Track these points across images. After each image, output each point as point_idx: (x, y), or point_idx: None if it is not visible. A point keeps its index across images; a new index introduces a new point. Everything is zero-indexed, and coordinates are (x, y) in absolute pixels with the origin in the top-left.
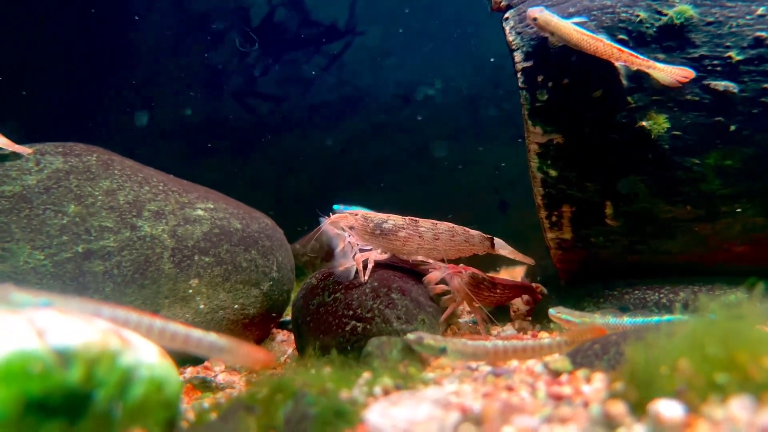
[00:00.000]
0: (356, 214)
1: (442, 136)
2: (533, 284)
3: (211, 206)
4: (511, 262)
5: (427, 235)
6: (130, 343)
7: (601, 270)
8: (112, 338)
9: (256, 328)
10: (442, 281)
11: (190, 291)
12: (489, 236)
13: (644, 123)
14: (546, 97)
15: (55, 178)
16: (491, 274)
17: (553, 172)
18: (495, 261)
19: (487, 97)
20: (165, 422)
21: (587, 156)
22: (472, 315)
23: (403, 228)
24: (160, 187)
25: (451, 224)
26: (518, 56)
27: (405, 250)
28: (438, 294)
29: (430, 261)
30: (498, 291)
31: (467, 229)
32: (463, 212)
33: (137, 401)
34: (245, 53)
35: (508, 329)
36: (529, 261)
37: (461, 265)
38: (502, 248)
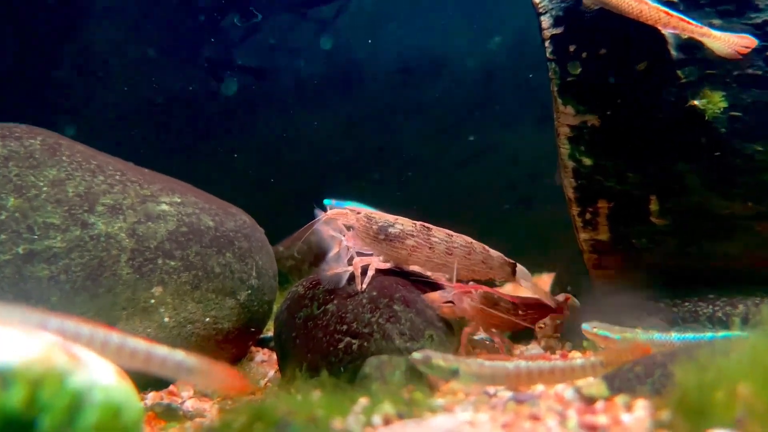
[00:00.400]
0: (358, 212)
1: (453, 118)
2: (563, 294)
3: (178, 200)
4: (537, 268)
5: (439, 248)
6: (81, 361)
7: (644, 277)
8: (60, 355)
9: (231, 345)
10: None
11: (153, 301)
12: (511, 262)
13: (696, 102)
14: (579, 70)
15: None
16: (508, 291)
17: (587, 161)
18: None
19: (507, 71)
20: None
21: (628, 141)
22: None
23: (412, 235)
24: (117, 177)
25: (469, 239)
26: (546, 21)
27: (411, 262)
28: (446, 317)
29: (434, 275)
30: (520, 313)
31: (488, 249)
32: (477, 210)
33: (90, 429)
34: (217, 18)
35: (533, 348)
36: (551, 300)
37: (471, 283)
38: (524, 279)
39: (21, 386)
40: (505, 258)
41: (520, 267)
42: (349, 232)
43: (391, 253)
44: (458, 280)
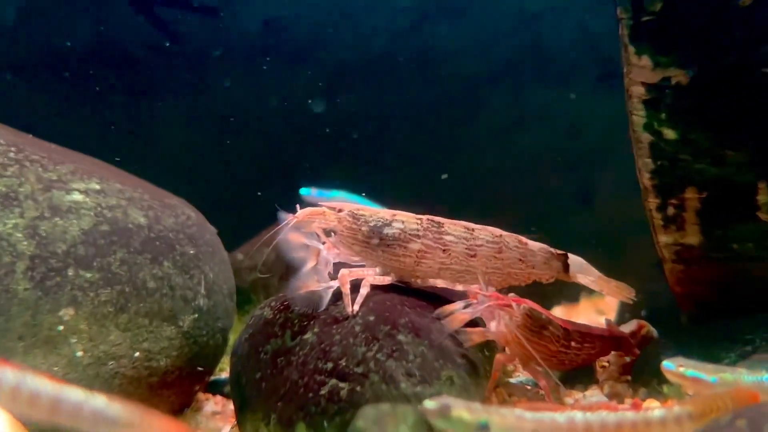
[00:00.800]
0: (340, 209)
1: (480, 77)
2: (635, 321)
3: (97, 187)
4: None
5: (455, 249)
6: None
7: (749, 296)
8: None
9: (170, 390)
10: (476, 322)
11: (61, 328)
12: (561, 252)
13: None
14: (660, 5)
15: None
16: (560, 315)
17: (670, 133)
18: (571, 287)
19: (556, 11)
20: None
21: (727, 105)
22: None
23: (417, 236)
24: (11, 155)
25: (497, 230)
26: None
27: (419, 272)
28: (474, 345)
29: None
30: (573, 345)
31: (523, 239)
32: (515, 201)
33: None
34: None
35: (594, 394)
36: (628, 294)
37: (511, 295)
38: (582, 272)
39: None
40: (551, 249)
41: (574, 258)
42: (330, 239)
43: (392, 263)
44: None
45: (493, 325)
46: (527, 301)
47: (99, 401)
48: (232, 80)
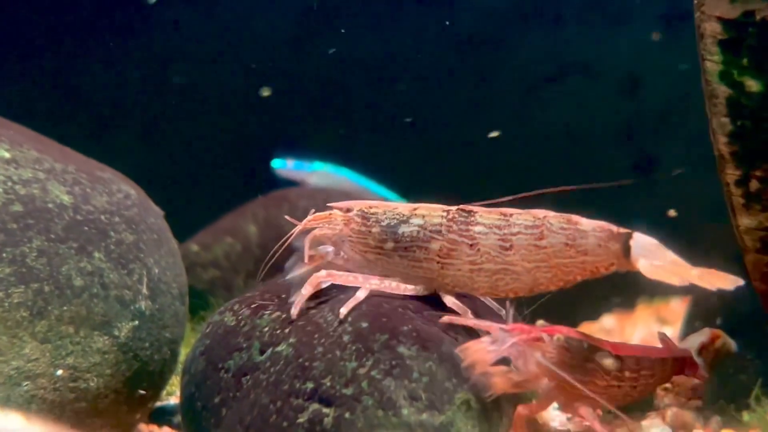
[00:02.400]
0: (348, 210)
1: (506, 14)
2: (708, 330)
3: (6, 155)
4: (660, 289)
5: (485, 242)
6: None
7: None
8: None
9: (103, 419)
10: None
11: None
12: (624, 230)
13: None
14: None
15: None
16: (611, 326)
17: (753, 84)
18: (631, 286)
19: None
20: None
21: None
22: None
23: (439, 233)
24: None
25: (539, 212)
26: None
27: (448, 279)
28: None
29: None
30: (628, 375)
31: (574, 218)
32: (555, 180)
33: None
34: None
35: (653, 424)
36: (731, 283)
37: (539, 323)
38: (646, 255)
39: None
40: (610, 226)
41: (639, 236)
42: (335, 248)
43: (413, 271)
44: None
45: (520, 364)
46: (562, 328)
47: (13, 421)
48: (188, 21)
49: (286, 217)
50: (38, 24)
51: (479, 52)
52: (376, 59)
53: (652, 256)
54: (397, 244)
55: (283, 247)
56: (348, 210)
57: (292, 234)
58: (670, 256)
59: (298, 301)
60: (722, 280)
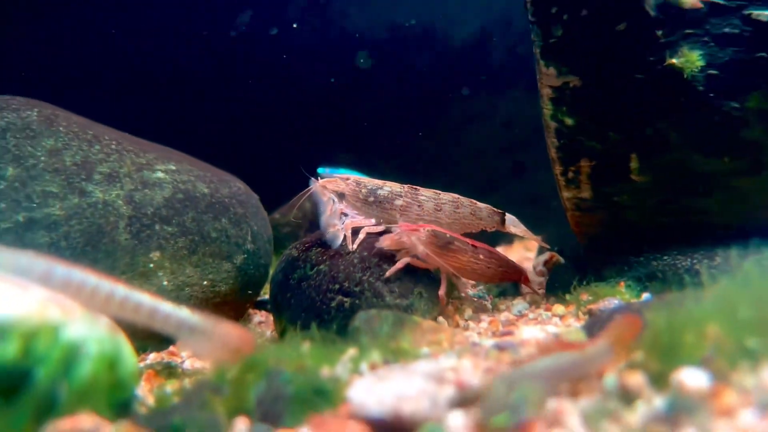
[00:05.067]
0: (347, 179)
1: (447, 85)
2: (548, 252)
3: (173, 168)
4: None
5: (427, 205)
6: (73, 314)
7: (625, 234)
8: (52, 309)
9: (229, 307)
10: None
11: (151, 265)
12: (500, 211)
13: (675, 61)
14: (561, 32)
15: None
16: (483, 244)
17: (569, 121)
18: (507, 235)
19: (497, 37)
20: (117, 405)
21: (609, 100)
22: (478, 289)
23: (400, 196)
24: (113, 146)
25: (455, 195)
26: None
27: (402, 221)
28: (389, 248)
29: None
30: (482, 258)
31: (475, 201)
32: (472, 175)
33: (84, 380)
34: None
35: (518, 303)
36: (540, 241)
37: (420, 223)
38: (514, 225)
39: (16, 339)
40: (493, 208)
41: (508, 215)
42: (341, 197)
43: (383, 215)
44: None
45: (404, 239)
46: (432, 226)
47: (184, 312)
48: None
49: (308, 175)
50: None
51: (424, 112)
52: (374, 115)
53: (514, 223)
54: (375, 200)
55: (306, 195)
56: (347, 178)
57: (310, 189)
58: (521, 225)
59: (350, 241)
60: (538, 239)
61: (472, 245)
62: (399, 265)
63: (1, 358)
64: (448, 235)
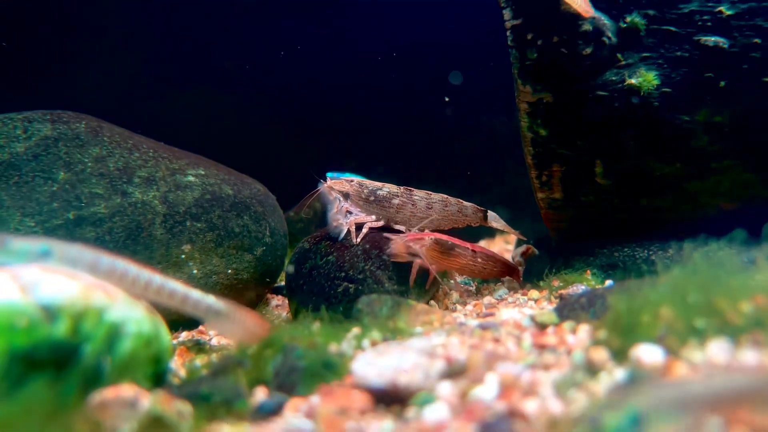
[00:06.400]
0: (351, 181)
1: (439, 101)
2: (525, 245)
3: (202, 172)
4: (500, 232)
5: (420, 204)
6: (116, 298)
7: (591, 228)
8: (97, 293)
9: (250, 292)
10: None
11: (183, 256)
12: (482, 209)
13: (634, 80)
14: (535, 55)
15: (44, 146)
16: (479, 245)
17: (543, 132)
18: (489, 230)
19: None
20: (154, 377)
21: (577, 114)
22: (464, 276)
23: (397, 195)
24: (150, 154)
25: (445, 195)
26: (507, 14)
27: (398, 218)
28: (398, 255)
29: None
30: (480, 261)
31: (461, 200)
32: (460, 179)
33: (125, 355)
34: None
35: (499, 289)
36: (518, 235)
37: (425, 231)
38: (495, 221)
39: (66, 319)
40: (477, 206)
41: (490, 212)
42: (346, 197)
43: (381, 212)
44: (438, 231)
45: (411, 245)
46: (437, 234)
47: (210, 299)
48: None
49: (317, 178)
50: None
51: (419, 129)
52: (375, 126)
53: (495, 219)
54: (376, 199)
55: (315, 195)
56: (351, 180)
57: (319, 190)
58: (502, 221)
59: (353, 236)
60: (517, 233)
61: (472, 249)
62: (413, 270)
63: (53, 336)
64: (449, 242)
